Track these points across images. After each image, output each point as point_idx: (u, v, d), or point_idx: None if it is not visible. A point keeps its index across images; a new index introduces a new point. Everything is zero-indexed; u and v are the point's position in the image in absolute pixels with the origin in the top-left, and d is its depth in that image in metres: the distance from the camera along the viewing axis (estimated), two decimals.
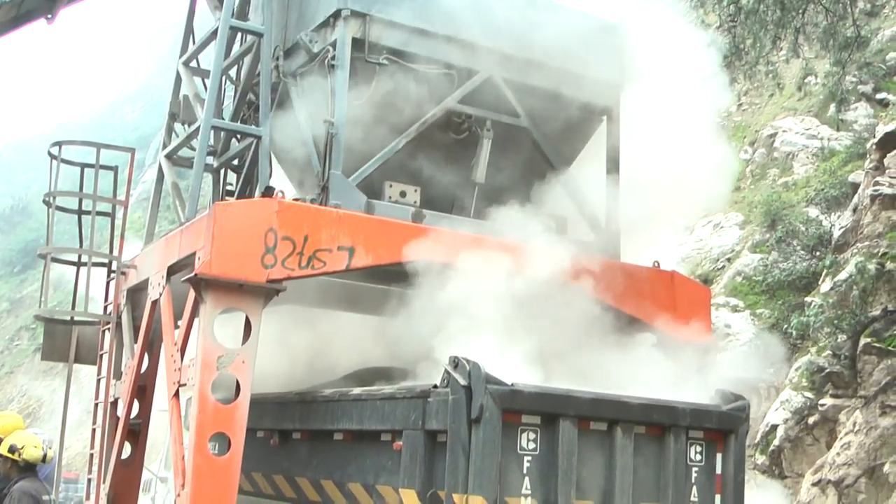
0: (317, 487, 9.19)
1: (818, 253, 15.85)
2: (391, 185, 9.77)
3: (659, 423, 8.21)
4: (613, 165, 10.90)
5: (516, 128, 10.35)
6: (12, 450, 8.61)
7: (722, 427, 8.57)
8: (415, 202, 9.77)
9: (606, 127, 10.97)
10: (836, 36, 15.76)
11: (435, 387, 7.64)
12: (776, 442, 13.64)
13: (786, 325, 14.77)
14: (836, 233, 15.68)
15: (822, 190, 17.10)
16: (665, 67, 11.05)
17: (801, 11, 15.06)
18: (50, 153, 11.68)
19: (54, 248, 11.60)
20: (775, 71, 16.58)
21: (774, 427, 13.77)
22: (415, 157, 9.96)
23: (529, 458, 7.62)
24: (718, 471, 8.57)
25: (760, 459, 13.74)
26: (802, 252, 16.22)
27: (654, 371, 8.57)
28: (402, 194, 9.77)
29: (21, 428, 8.58)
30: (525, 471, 7.59)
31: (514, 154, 10.36)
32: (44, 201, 11.67)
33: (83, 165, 11.81)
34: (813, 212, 17.10)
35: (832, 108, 21.53)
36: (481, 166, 10.05)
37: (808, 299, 14.89)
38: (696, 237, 20.27)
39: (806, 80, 21.95)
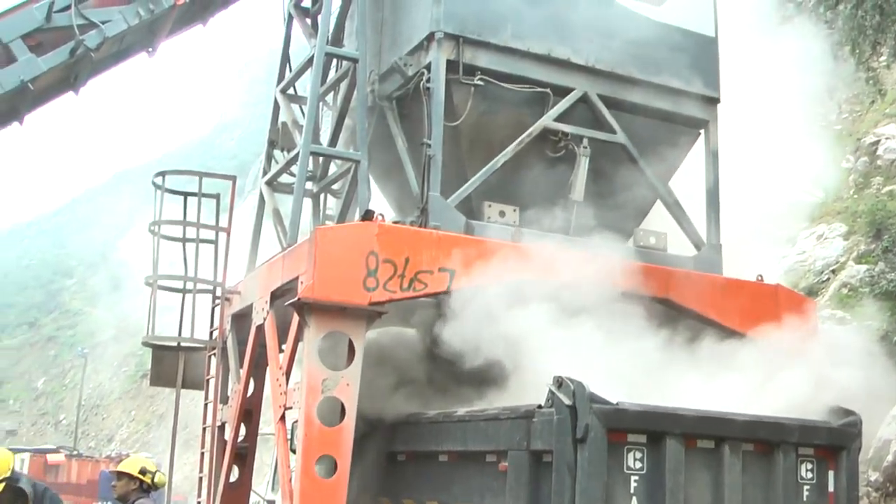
0: None
1: None
2: (490, 206, 9.79)
3: (767, 440, 8.06)
4: (712, 179, 10.79)
5: (613, 144, 10.30)
6: (143, 472, 8.81)
7: (833, 443, 8.38)
8: (514, 222, 9.76)
9: (704, 140, 10.87)
10: None
11: (539, 407, 7.60)
12: (889, 458, 13.32)
13: (895, 337, 14.45)
14: None
15: None
16: (761, 78, 10.93)
17: None
18: (154, 183, 11.92)
19: (161, 275, 11.81)
20: (876, 77, 16.24)
21: (887, 442, 13.46)
22: (513, 176, 9.97)
23: (636, 477, 7.53)
24: (831, 489, 8.37)
25: (874, 476, 13.42)
26: None
27: (761, 386, 8.41)
28: (502, 214, 9.78)
29: (11, 463, 8.73)
30: (632, 490, 7.51)
31: (612, 171, 10.30)
32: (149, 230, 11.89)
33: (186, 194, 12.02)
34: None
35: None
36: (579, 184, 10.01)
37: None
38: (799, 249, 19.93)
39: None
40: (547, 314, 9.20)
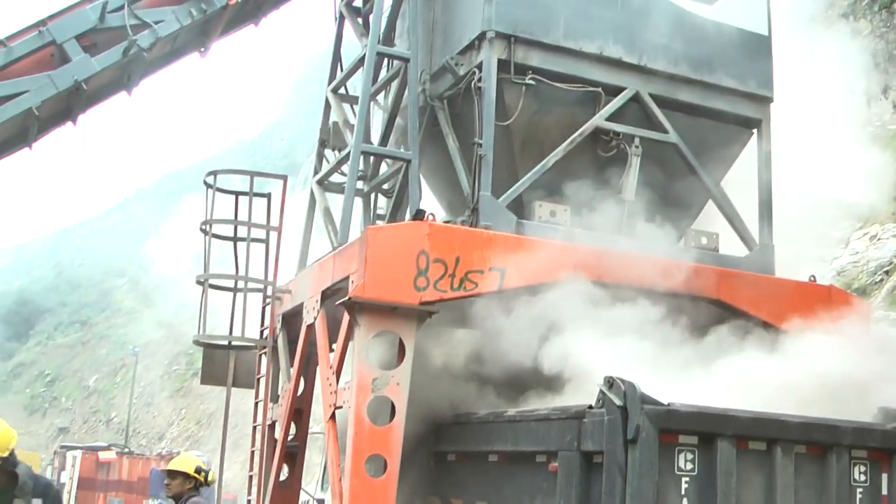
0: None
1: None
2: (541, 205, 9.75)
3: (820, 442, 7.96)
4: (765, 179, 10.70)
5: (665, 144, 10.24)
6: (199, 471, 8.88)
7: (887, 446, 8.25)
8: (565, 221, 9.73)
9: (757, 140, 10.78)
10: None
11: (590, 407, 7.56)
12: None
13: None
14: None
15: None
16: (815, 78, 10.83)
17: None
18: (205, 182, 11.99)
19: (212, 274, 11.88)
20: None
21: None
22: (564, 176, 9.93)
23: (687, 479, 7.47)
24: (885, 491, 8.27)
25: None
26: None
27: (815, 389, 8.32)
28: (552, 213, 9.73)
29: (12, 443, 8.66)
30: (683, 492, 7.44)
31: (664, 171, 10.25)
32: (201, 229, 11.96)
33: (237, 193, 12.08)
34: None
35: None
36: (630, 184, 9.96)
37: None
38: (852, 250, 19.74)
39: None
40: (596, 315, 9.19)
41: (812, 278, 10.37)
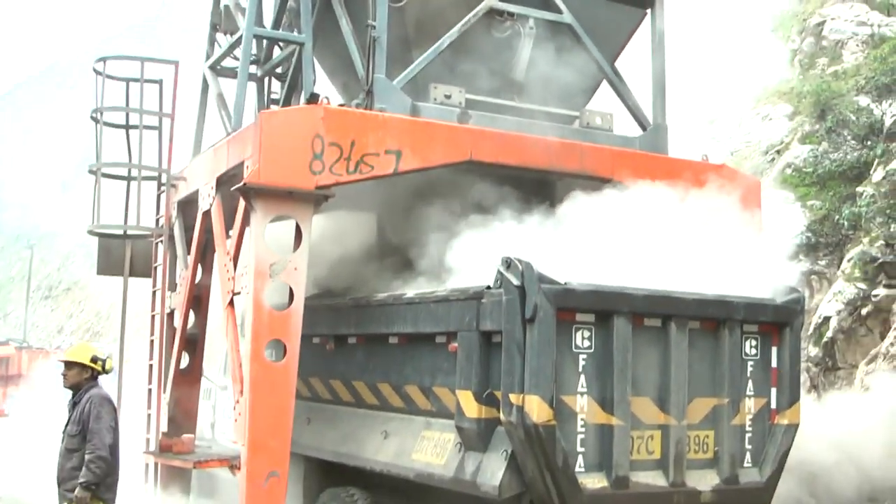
0: (374, 391, 9.31)
1: (869, 142, 15.53)
2: (436, 87, 9.68)
3: (713, 317, 8.20)
4: (658, 59, 10.77)
5: (559, 24, 10.22)
6: (95, 360, 8.72)
7: (777, 320, 8.54)
8: (460, 103, 9.69)
9: (651, 21, 10.81)
10: None
11: (488, 287, 7.65)
12: (829, 334, 13.57)
13: (837, 217, 14.61)
14: (888, 121, 15.38)
15: (873, 78, 16.66)
16: None
17: None
18: (95, 69, 11.69)
19: (104, 163, 11.66)
20: None
21: (827, 319, 13.69)
22: (459, 58, 9.88)
23: (584, 356, 7.65)
24: (774, 364, 8.57)
25: (814, 351, 13.69)
26: (853, 142, 15.92)
27: (708, 264, 8.51)
28: (448, 96, 9.69)
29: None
30: (580, 369, 7.62)
31: (558, 51, 10.24)
32: (91, 117, 11.70)
33: (128, 80, 11.81)
34: (864, 101, 16.73)
35: None
36: (523, 64, 9.97)
37: (859, 189, 14.67)
38: (745, 130, 20.01)
39: None
40: (491, 197, 9.27)
41: (705, 157, 10.52)
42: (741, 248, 8.76)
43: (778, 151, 18.37)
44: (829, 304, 13.86)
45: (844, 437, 10.10)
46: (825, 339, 13.67)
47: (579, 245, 8.23)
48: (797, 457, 8.81)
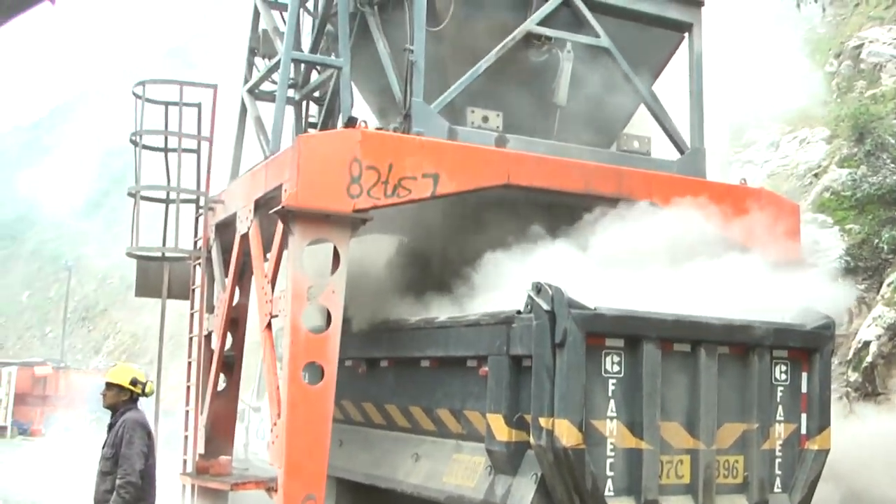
0: (405, 414, 9.32)
1: None
2: (473, 111, 9.72)
3: (742, 342, 8.18)
4: (696, 83, 10.75)
5: (597, 48, 10.23)
6: (134, 382, 8.73)
7: (807, 346, 8.50)
8: (497, 127, 9.72)
9: (688, 44, 10.81)
10: None
11: (519, 312, 7.67)
12: (869, 359, 13.46)
13: (877, 241, 14.51)
14: None
15: None
16: None
17: None
18: (134, 93, 11.80)
19: (143, 186, 11.75)
20: None
21: (867, 344, 13.57)
22: (496, 81, 9.90)
23: (614, 380, 7.65)
24: (804, 390, 8.52)
25: (853, 377, 13.57)
26: (893, 165, 15.81)
27: (744, 289, 8.47)
28: (485, 119, 9.72)
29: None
30: (610, 393, 7.62)
31: (596, 75, 10.24)
32: (130, 140, 11.80)
33: (167, 103, 11.91)
34: None
35: None
36: (562, 88, 9.96)
37: None
38: (782, 153, 19.91)
39: None
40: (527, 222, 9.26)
41: (743, 181, 10.49)
42: (785, 274, 8.72)
43: (815, 175, 18.27)
44: (869, 328, 13.74)
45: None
46: (865, 365, 13.54)
47: (615, 271, 8.22)
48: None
